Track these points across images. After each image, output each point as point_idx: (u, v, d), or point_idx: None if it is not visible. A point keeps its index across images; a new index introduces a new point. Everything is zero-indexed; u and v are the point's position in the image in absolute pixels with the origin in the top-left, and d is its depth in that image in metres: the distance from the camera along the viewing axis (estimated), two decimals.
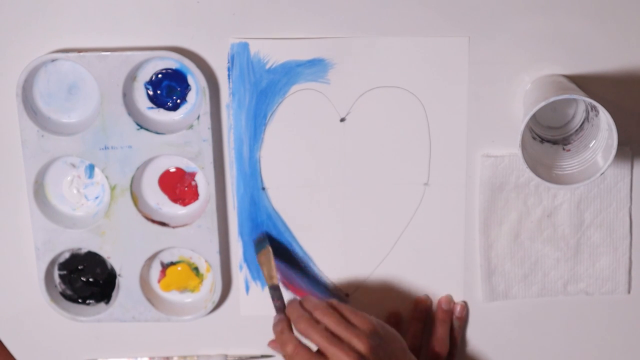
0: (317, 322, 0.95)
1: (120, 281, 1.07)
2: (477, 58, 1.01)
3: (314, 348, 0.95)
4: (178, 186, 1.06)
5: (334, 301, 0.99)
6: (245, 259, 1.08)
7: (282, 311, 1.01)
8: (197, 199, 1.07)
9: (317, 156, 1.04)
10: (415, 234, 1.06)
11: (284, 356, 0.97)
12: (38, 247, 1.06)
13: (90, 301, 1.10)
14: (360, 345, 0.93)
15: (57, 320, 1.10)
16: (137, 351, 1.12)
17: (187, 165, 1.05)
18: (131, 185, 1.04)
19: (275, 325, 1.00)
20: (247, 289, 1.09)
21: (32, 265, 1.07)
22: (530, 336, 1.09)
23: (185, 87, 1.03)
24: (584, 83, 1.00)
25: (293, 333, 0.97)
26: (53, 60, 1.02)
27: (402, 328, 1.09)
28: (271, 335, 1.10)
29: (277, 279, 1.03)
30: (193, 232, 1.05)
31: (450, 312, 1.08)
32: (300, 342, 0.95)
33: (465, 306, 1.08)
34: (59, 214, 1.07)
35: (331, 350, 0.93)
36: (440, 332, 1.07)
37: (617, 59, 1.00)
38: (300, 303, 0.99)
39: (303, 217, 1.06)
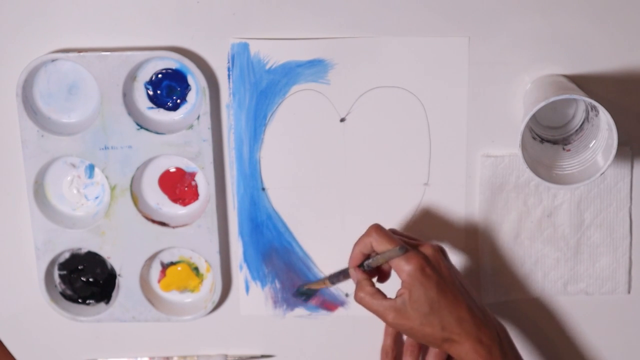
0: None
1: (120, 281, 1.07)
2: (477, 58, 1.01)
3: None
4: (178, 186, 1.06)
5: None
6: (245, 259, 1.08)
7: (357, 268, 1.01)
8: (197, 199, 1.07)
9: (317, 156, 1.04)
10: (416, 234, 1.06)
11: (362, 247, 0.98)
12: (38, 247, 1.06)
13: (90, 301, 1.10)
14: (433, 246, 0.97)
15: (57, 320, 1.10)
16: (137, 351, 1.12)
17: (187, 165, 1.05)
18: (131, 185, 1.04)
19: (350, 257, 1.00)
20: (247, 289, 1.09)
21: (32, 265, 1.07)
22: (530, 336, 1.09)
23: (185, 87, 1.03)
24: (584, 83, 1.00)
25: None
26: (53, 60, 1.02)
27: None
28: (271, 336, 1.10)
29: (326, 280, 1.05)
30: (193, 232, 1.05)
31: None
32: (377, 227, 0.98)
33: None
34: (59, 214, 1.07)
35: (409, 242, 0.98)
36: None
37: (617, 59, 1.00)
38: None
39: (303, 217, 1.06)
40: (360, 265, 0.98)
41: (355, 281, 0.98)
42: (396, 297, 0.95)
